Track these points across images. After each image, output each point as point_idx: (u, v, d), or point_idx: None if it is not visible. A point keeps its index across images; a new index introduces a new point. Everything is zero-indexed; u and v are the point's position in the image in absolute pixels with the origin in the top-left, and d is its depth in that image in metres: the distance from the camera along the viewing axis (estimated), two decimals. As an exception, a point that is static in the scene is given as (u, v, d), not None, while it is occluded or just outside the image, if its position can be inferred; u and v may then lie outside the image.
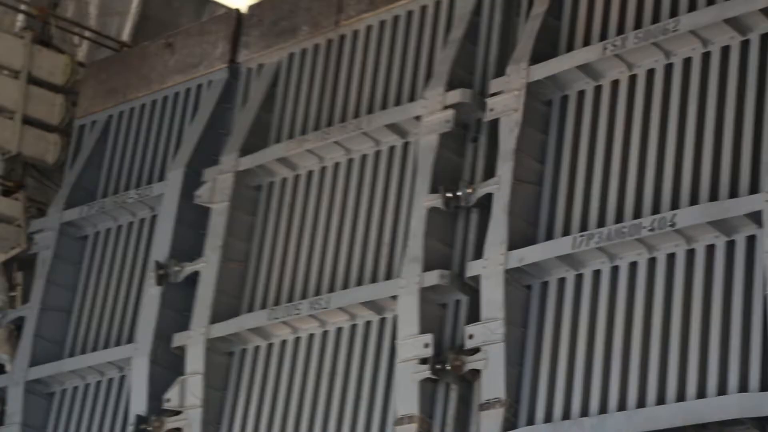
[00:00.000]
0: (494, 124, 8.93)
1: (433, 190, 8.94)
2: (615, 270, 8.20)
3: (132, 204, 10.91)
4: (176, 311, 10.20)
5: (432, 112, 9.17)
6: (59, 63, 11.89)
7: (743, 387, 7.43)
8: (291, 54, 10.46)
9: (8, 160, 11.77)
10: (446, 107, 9.11)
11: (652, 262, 8.05)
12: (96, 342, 10.91)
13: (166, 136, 11.13)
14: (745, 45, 8.06)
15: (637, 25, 8.53)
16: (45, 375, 10.88)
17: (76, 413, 10.78)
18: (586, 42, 8.78)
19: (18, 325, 11.33)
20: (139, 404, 10.03)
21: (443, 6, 9.69)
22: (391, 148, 9.60)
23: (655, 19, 8.46)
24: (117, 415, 10.46)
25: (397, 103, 9.67)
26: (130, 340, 10.48)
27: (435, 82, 9.25)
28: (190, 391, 9.77)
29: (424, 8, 9.79)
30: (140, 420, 9.92)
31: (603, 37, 8.69)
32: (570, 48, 8.85)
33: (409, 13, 9.86)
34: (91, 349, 10.88)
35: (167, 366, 10.07)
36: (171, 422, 9.82)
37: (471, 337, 8.47)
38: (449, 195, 8.86)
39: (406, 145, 9.51)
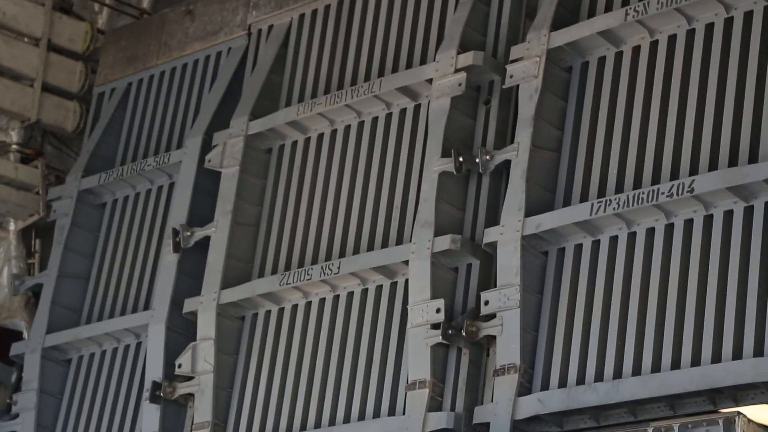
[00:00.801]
0: (508, 90, 8.93)
1: (445, 153, 8.91)
2: (632, 236, 8.19)
3: (150, 171, 10.92)
4: (192, 277, 10.20)
5: (444, 75, 9.14)
6: (79, 30, 11.93)
7: (758, 352, 7.42)
8: (301, 15, 10.43)
9: (27, 127, 11.83)
10: (458, 70, 9.08)
11: (669, 228, 8.03)
12: (113, 309, 10.94)
13: (185, 103, 11.14)
14: (749, 17, 8.01)
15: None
16: (62, 342, 10.91)
17: (93, 379, 10.82)
18: (608, 8, 8.75)
19: (36, 292, 11.38)
20: (155, 370, 10.06)
21: (456, -37, 9.69)
22: (403, 111, 9.58)
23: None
24: (133, 381, 10.50)
25: (409, 65, 9.65)
26: (147, 307, 10.53)
27: (447, 44, 9.21)
28: (201, 357, 9.79)
29: None
30: (156, 386, 9.95)
31: (625, 2, 8.65)
32: (591, 14, 8.82)
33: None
34: (108, 316, 10.92)
35: (183, 332, 10.10)
36: (183, 387, 9.87)
37: (486, 303, 8.47)
38: (461, 159, 8.82)
39: (417, 108, 9.50)
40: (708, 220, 7.88)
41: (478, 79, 9.10)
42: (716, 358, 7.58)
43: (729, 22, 8.14)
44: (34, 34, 11.65)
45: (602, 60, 8.70)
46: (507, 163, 8.70)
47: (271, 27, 10.59)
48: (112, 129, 11.45)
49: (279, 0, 10.55)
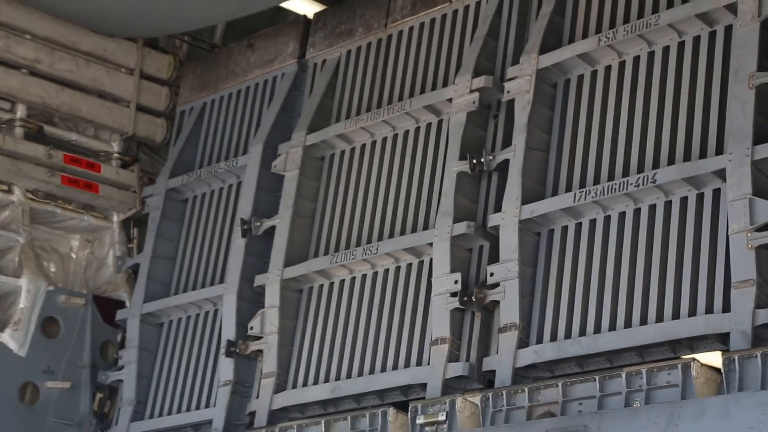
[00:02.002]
0: (510, 104, 8.89)
1: (462, 157, 8.92)
2: (608, 219, 8.19)
3: (222, 173, 10.92)
4: (257, 257, 10.22)
5: (461, 95, 9.13)
6: (164, 61, 11.90)
7: (709, 310, 7.45)
8: (348, 51, 10.44)
9: (126, 140, 11.77)
10: (472, 91, 9.06)
11: (637, 212, 8.03)
12: (195, 282, 10.94)
13: (248, 118, 11.10)
14: (712, 35, 8.01)
15: (626, 20, 8.47)
16: (156, 309, 10.95)
17: (180, 339, 10.85)
18: (585, 35, 8.73)
19: (134, 270, 11.37)
20: (229, 331, 10.09)
21: (471, 10, 9.62)
22: (428, 125, 9.56)
23: (640, 15, 8.40)
24: (212, 340, 10.54)
25: (433, 88, 9.63)
26: (222, 280, 10.52)
27: (463, 70, 9.22)
28: (268, 321, 9.82)
29: (455, 12, 9.74)
30: (230, 344, 9.98)
31: (598, 30, 8.64)
32: (571, 40, 8.79)
33: (444, 16, 9.80)
34: (191, 288, 10.92)
35: (250, 301, 10.10)
36: (253, 345, 9.89)
37: (492, 275, 8.49)
38: (474, 161, 8.84)
39: (440, 122, 9.48)
40: (668, 205, 7.88)
41: (488, 98, 9.08)
42: (676, 315, 7.59)
43: (681, 45, 8.15)
44: (129, 65, 11.63)
45: (581, 77, 8.68)
46: (506, 162, 8.70)
47: (324, 61, 10.58)
48: (191, 139, 11.45)
49: (330, 40, 10.53)
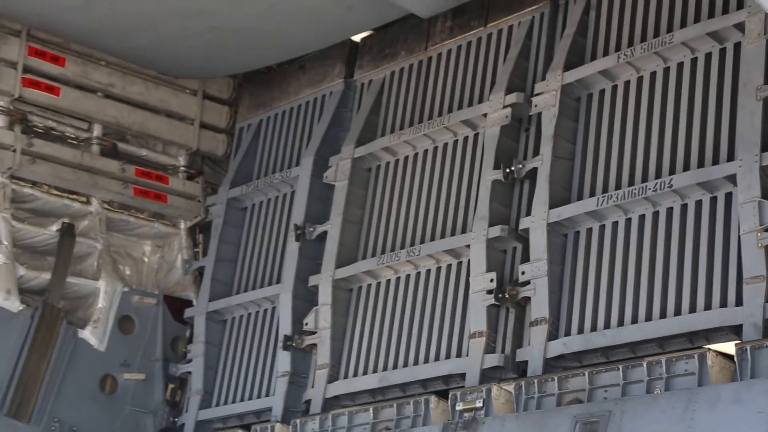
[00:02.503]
0: (538, 117, 8.90)
1: (496, 166, 8.92)
2: (628, 221, 8.18)
3: (277, 183, 10.95)
4: (310, 260, 10.24)
5: (495, 110, 9.13)
6: (225, 83, 11.91)
7: (723, 304, 7.44)
8: (392, 72, 10.43)
9: (191, 154, 11.77)
10: (505, 106, 9.07)
11: (656, 214, 8.02)
12: (254, 283, 10.95)
13: (300, 133, 11.11)
14: (723, 51, 8.00)
15: (643, 38, 8.47)
16: (219, 307, 10.97)
17: (242, 334, 10.87)
18: (605, 53, 8.72)
19: (200, 272, 11.40)
20: (285, 327, 10.13)
21: (504, 33, 9.63)
22: (465, 138, 9.57)
23: (656, 34, 8.40)
24: (271, 335, 10.56)
25: (470, 104, 9.62)
26: (278, 281, 10.53)
27: (497, 88, 9.23)
28: (321, 317, 9.85)
29: (489, 35, 9.74)
30: (287, 338, 10.03)
31: (617, 48, 8.64)
32: (593, 58, 8.80)
33: (479, 39, 9.81)
34: (251, 288, 10.92)
35: (305, 299, 10.12)
36: (308, 339, 9.94)
37: (523, 273, 8.50)
38: (507, 170, 8.84)
39: (476, 135, 9.48)
40: (684, 207, 7.87)
41: (519, 113, 9.06)
42: (692, 308, 7.59)
43: (694, 61, 8.13)
44: (193, 87, 11.67)
45: (602, 92, 8.68)
46: (535, 170, 8.68)
47: (370, 81, 10.58)
48: (249, 153, 11.46)
49: (376, 62, 10.51)
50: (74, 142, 11.11)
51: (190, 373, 11.02)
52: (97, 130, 11.21)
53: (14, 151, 10.57)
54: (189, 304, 11.42)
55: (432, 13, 9.62)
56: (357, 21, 9.73)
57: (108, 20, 9.87)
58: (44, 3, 9.67)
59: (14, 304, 10.37)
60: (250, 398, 10.45)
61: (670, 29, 8.31)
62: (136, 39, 10.30)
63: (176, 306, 11.40)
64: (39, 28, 10.60)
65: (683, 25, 8.23)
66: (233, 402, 10.59)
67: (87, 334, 10.82)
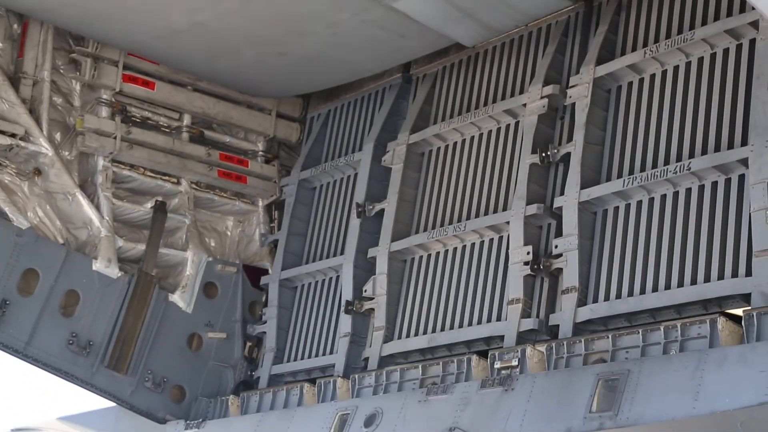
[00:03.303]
0: (572, 107, 8.84)
1: (533, 151, 8.92)
2: (651, 200, 8.15)
3: (342, 166, 10.98)
4: (369, 234, 10.25)
5: (533, 101, 9.13)
6: (296, 102, 11.89)
7: (734, 274, 7.39)
8: (444, 67, 10.41)
9: (268, 140, 11.74)
10: (542, 97, 9.06)
11: (676, 194, 7.98)
12: (321, 254, 10.98)
13: (363, 122, 11.12)
14: (739, 47, 7.89)
15: (667, 36, 8.41)
16: (291, 275, 11.04)
17: (310, 299, 10.93)
18: (633, 49, 8.66)
19: (275, 244, 11.43)
20: (347, 293, 10.16)
21: (543, 31, 9.58)
22: (507, 125, 9.56)
23: (679, 31, 8.33)
24: (334, 300, 10.61)
25: (512, 95, 9.61)
26: (342, 252, 10.54)
27: (536, 80, 9.20)
28: (379, 285, 9.90)
29: (530, 33, 9.69)
30: (348, 303, 10.07)
31: (644, 45, 8.58)
32: (622, 53, 8.73)
33: (521, 37, 9.77)
34: (318, 259, 10.97)
35: (364, 269, 10.15)
36: (367, 305, 9.98)
37: (556, 247, 8.52)
38: (543, 155, 8.82)
39: (516, 123, 9.47)
40: (701, 188, 7.83)
41: (555, 103, 9.05)
42: (707, 278, 7.55)
43: (714, 56, 8.04)
44: (269, 106, 11.70)
45: (630, 84, 8.63)
46: (568, 155, 8.66)
47: (424, 75, 10.55)
48: (319, 139, 11.49)
49: (430, 58, 10.42)
50: (167, 130, 11.20)
51: (264, 332, 11.11)
52: (186, 120, 11.28)
53: (115, 138, 10.68)
54: (265, 272, 11.45)
55: (475, 42, 9.41)
56: (409, 48, 9.68)
57: (193, 47, 9.95)
58: (140, 31, 9.78)
59: (114, 271, 10.50)
60: (316, 355, 10.55)
61: (691, 27, 8.22)
62: (218, 64, 10.36)
63: (254, 274, 11.42)
64: (134, 53, 10.68)
65: (704, 23, 8.13)
66: (302, 359, 10.69)
67: (176, 297, 10.93)
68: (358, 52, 9.59)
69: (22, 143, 10.08)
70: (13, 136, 10.03)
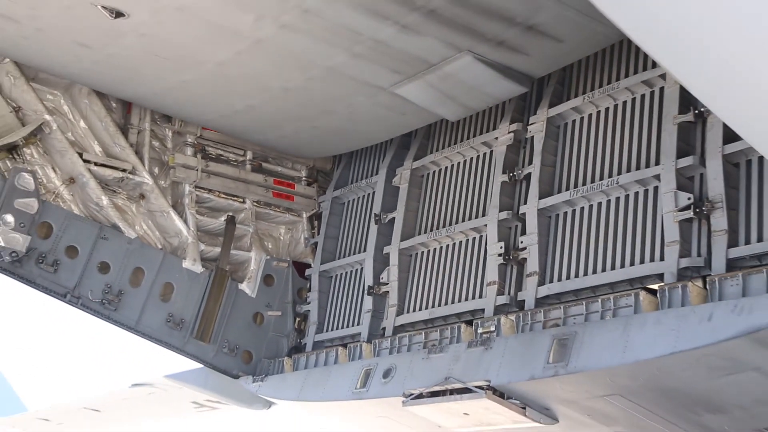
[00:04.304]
0: (532, 139, 8.79)
1: (503, 172, 8.87)
2: (591, 206, 8.14)
3: (363, 186, 10.86)
4: (384, 236, 10.14)
5: (503, 134, 9.05)
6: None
7: (652, 260, 7.40)
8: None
9: (309, 168, 11.60)
10: (509, 132, 8.98)
11: (609, 202, 7.98)
12: (349, 251, 10.82)
13: (378, 154, 10.93)
14: (652, 93, 7.89)
15: (600, 85, 8.36)
16: (328, 268, 10.85)
17: (342, 285, 10.78)
18: (576, 95, 8.62)
19: (315, 245, 11.33)
20: (369, 280, 10.07)
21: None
22: (484, 153, 9.48)
23: (609, 82, 8.28)
24: (360, 285, 10.47)
25: (487, 131, 9.48)
26: (364, 250, 10.40)
27: (504, 120, 9.14)
28: (392, 274, 9.82)
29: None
30: (369, 288, 10.00)
31: (583, 92, 8.55)
32: (568, 98, 8.69)
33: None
34: (347, 255, 10.78)
35: (381, 262, 10.05)
36: (383, 288, 9.91)
37: (522, 242, 8.48)
38: (511, 174, 8.79)
39: (491, 152, 9.38)
40: (627, 197, 7.82)
41: (519, 136, 8.95)
42: (632, 263, 7.54)
43: (634, 100, 8.02)
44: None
45: (574, 121, 8.59)
46: (530, 174, 8.63)
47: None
48: (345, 167, 11.32)
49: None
50: (234, 163, 11.16)
51: (309, 310, 11.05)
52: (249, 155, 11.22)
53: (197, 170, 10.69)
54: (308, 266, 11.35)
55: (457, 117, 9.26)
56: (408, 122, 9.56)
57: (248, 123, 9.95)
58: (210, 111, 9.76)
59: (198, 268, 10.49)
60: (346, 326, 10.48)
61: (618, 78, 8.21)
62: (266, 135, 10.33)
63: (300, 268, 11.35)
64: (206, 127, 10.61)
65: (626, 75, 8.14)
66: (336, 329, 10.63)
67: (244, 286, 10.88)
68: (370, 125, 9.56)
69: (130, 176, 10.19)
70: (123, 171, 10.13)
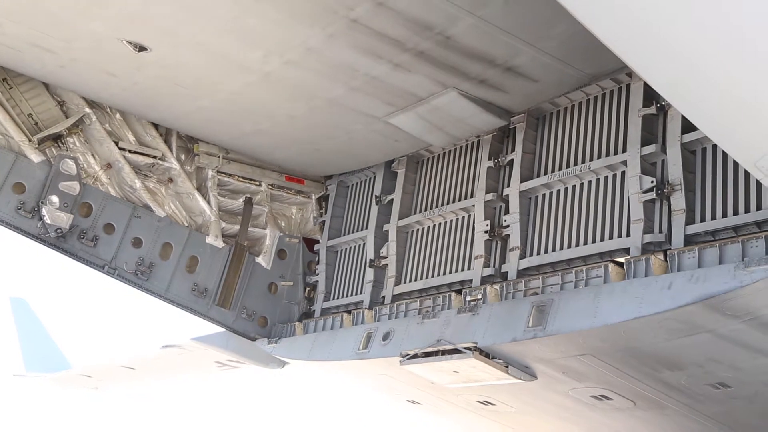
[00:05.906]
0: (515, 130, 8.66)
1: (489, 158, 8.79)
2: (566, 189, 8.10)
3: (365, 171, 10.68)
4: (384, 215, 10.11)
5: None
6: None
7: (620, 235, 7.41)
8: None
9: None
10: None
11: (582, 185, 7.95)
12: (353, 229, 10.77)
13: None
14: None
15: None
16: (334, 243, 10.74)
17: (346, 259, 10.71)
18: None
19: (323, 223, 11.23)
20: (370, 254, 10.05)
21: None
22: (472, 143, 9.30)
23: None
24: (362, 259, 10.41)
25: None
26: (366, 227, 10.28)
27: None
28: (391, 248, 9.80)
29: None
30: (371, 261, 10.00)
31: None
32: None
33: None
34: (351, 232, 10.72)
35: (381, 238, 10.03)
36: (383, 261, 9.88)
37: (505, 221, 8.45)
38: (496, 161, 8.72)
39: (479, 141, 9.17)
40: (598, 180, 7.80)
41: (503, 128, 8.62)
42: (602, 238, 7.56)
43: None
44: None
45: (551, 114, 8.48)
46: (512, 160, 8.58)
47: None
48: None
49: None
50: None
51: (317, 281, 11.02)
52: None
53: (219, 157, 10.62)
54: (317, 242, 11.29)
55: (444, 145, 9.16)
56: (401, 148, 9.54)
57: (257, 145, 9.94)
58: (223, 132, 9.76)
59: (219, 243, 10.49)
60: (350, 295, 10.47)
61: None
62: (273, 155, 10.29)
63: (310, 243, 11.32)
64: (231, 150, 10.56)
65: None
66: (341, 297, 10.62)
67: (260, 259, 10.88)
68: (367, 149, 9.58)
69: (160, 162, 10.17)
70: (154, 157, 10.11)
